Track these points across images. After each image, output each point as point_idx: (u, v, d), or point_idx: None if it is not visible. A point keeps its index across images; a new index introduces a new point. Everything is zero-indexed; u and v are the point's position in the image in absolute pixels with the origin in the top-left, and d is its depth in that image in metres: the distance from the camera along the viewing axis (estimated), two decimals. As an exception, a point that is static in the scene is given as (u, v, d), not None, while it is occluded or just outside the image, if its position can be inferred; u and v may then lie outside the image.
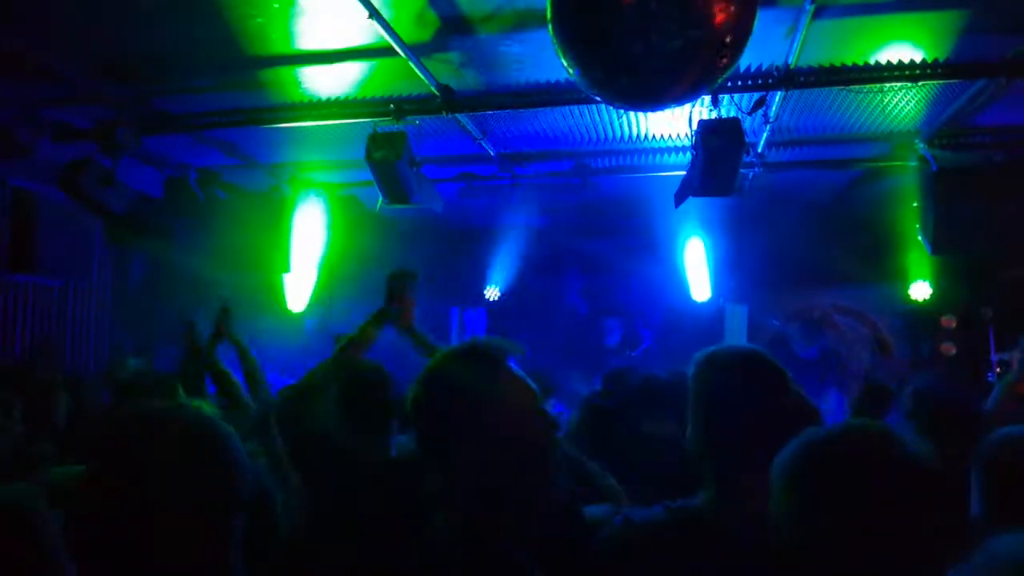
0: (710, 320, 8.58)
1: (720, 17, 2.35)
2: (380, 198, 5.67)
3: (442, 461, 1.50)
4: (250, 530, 1.39)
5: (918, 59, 4.63)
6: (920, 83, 4.82)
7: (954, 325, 8.47)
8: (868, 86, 4.86)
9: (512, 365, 1.54)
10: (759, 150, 6.16)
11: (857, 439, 1.36)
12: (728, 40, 2.45)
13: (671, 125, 5.91)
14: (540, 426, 1.51)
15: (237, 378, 3.91)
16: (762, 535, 1.42)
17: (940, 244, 6.14)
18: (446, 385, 1.52)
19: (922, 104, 5.39)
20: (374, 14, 3.83)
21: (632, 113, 5.55)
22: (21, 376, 4.36)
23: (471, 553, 1.45)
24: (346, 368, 3.07)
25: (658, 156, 6.66)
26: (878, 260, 8.07)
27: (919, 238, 6.44)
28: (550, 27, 2.73)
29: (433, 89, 4.90)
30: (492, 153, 6.34)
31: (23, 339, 6.03)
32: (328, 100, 5.28)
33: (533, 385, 1.54)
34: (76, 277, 6.46)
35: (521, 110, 5.32)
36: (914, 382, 3.34)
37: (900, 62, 4.66)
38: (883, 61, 4.67)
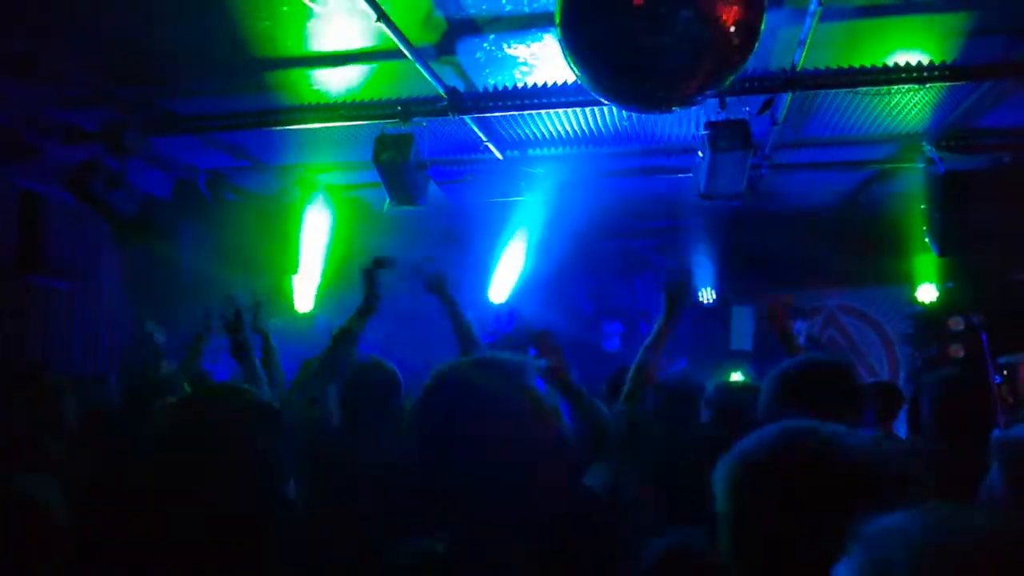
0: (715, 321, 8.58)
1: (729, 18, 2.36)
2: (387, 200, 5.68)
3: (444, 468, 1.45)
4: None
5: (925, 61, 4.63)
6: (927, 85, 4.82)
7: (962, 327, 8.44)
8: (875, 88, 4.86)
9: (534, 382, 1.50)
10: (766, 152, 6.15)
11: (792, 439, 1.29)
12: (736, 42, 2.45)
13: (678, 127, 5.91)
14: (551, 444, 1.46)
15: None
16: None
17: (947, 246, 6.13)
18: (458, 394, 1.47)
19: (929, 106, 5.38)
20: (382, 17, 3.84)
21: (639, 115, 5.55)
22: (30, 377, 4.37)
23: (470, 561, 1.43)
24: (336, 364, 3.08)
25: (665, 158, 6.65)
26: (885, 262, 8.06)
27: (926, 240, 6.43)
28: (558, 29, 2.74)
29: (440, 91, 4.91)
30: (499, 155, 6.35)
31: (32, 341, 6.06)
32: (336, 102, 5.30)
33: (550, 403, 1.50)
34: (84, 279, 6.48)
35: (528, 112, 5.33)
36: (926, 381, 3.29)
37: (907, 64, 4.66)
38: (890, 63, 4.66)
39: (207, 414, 1.40)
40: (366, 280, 3.32)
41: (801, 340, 6.79)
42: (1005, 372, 7.49)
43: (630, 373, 2.86)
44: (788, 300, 3.53)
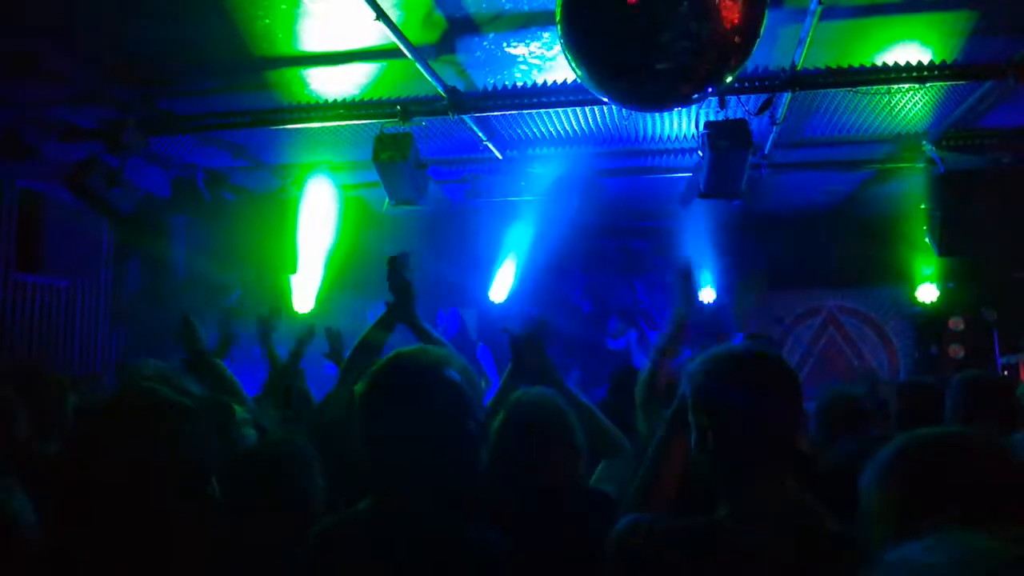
0: (716, 321, 8.56)
1: (730, 17, 2.35)
2: (387, 199, 5.68)
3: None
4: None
5: (925, 61, 4.63)
6: (927, 85, 4.82)
7: (962, 327, 8.44)
8: (875, 88, 4.86)
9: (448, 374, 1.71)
10: (766, 151, 6.15)
11: (963, 443, 1.33)
12: (737, 40, 2.44)
13: (678, 126, 5.91)
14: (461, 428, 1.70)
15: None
16: (782, 545, 1.41)
17: (947, 246, 6.13)
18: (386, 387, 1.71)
19: (929, 106, 5.38)
20: (381, 16, 3.83)
21: (639, 114, 5.55)
22: (29, 376, 4.35)
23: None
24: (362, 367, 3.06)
25: (664, 157, 6.65)
26: (885, 262, 8.05)
27: (926, 240, 6.42)
28: (559, 27, 2.73)
29: (440, 90, 4.91)
30: (498, 154, 6.34)
31: (30, 339, 6.05)
32: (335, 101, 5.29)
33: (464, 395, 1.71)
34: (83, 277, 6.48)
35: (527, 111, 5.33)
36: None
37: (907, 64, 4.65)
38: (890, 63, 4.66)
39: (122, 417, 1.42)
40: (396, 284, 3.12)
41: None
42: (1006, 372, 7.50)
43: (643, 378, 2.80)
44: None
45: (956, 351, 8.52)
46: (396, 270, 2.99)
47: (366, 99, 5.25)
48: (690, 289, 2.86)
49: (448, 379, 1.71)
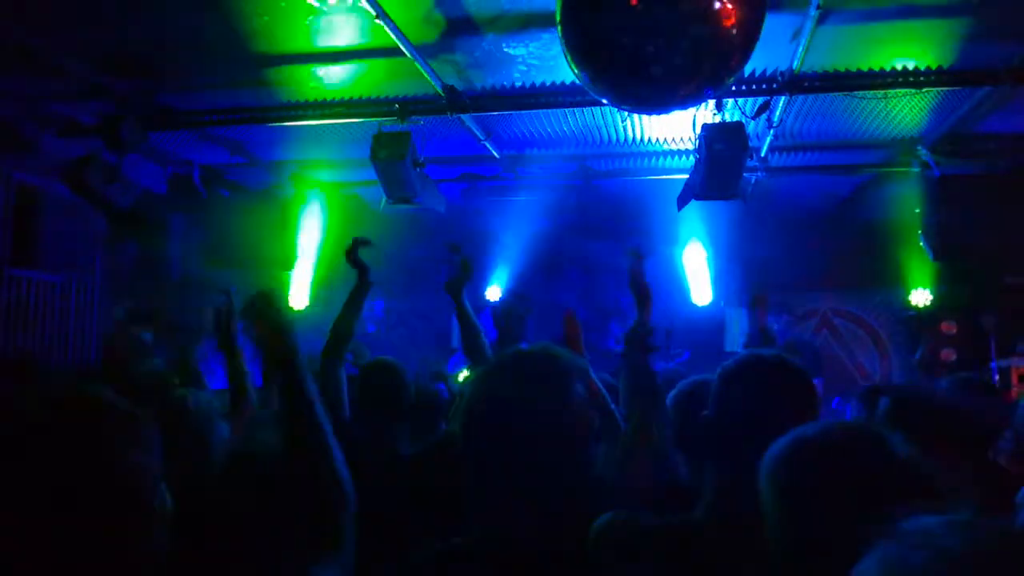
0: (711, 324, 8.59)
1: (729, 19, 2.36)
2: (384, 197, 5.68)
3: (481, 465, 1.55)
4: None
5: (922, 66, 4.65)
6: (924, 90, 4.84)
7: (955, 331, 8.47)
8: (872, 92, 4.88)
9: (577, 388, 1.57)
10: (762, 155, 6.17)
11: (847, 438, 1.37)
12: (737, 42, 2.46)
13: (674, 129, 5.92)
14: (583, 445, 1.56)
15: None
16: (757, 546, 1.43)
17: (941, 250, 6.16)
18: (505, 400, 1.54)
19: (925, 111, 5.41)
20: (382, 15, 3.84)
21: (636, 116, 5.56)
22: (24, 370, 4.36)
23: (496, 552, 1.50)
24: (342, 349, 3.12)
25: (661, 159, 6.67)
26: (879, 265, 8.08)
27: (921, 244, 6.45)
28: (559, 28, 2.74)
29: (438, 90, 4.92)
30: (496, 154, 6.35)
31: (26, 334, 6.04)
32: (333, 99, 5.29)
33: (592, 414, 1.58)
34: (79, 272, 6.46)
35: (525, 111, 5.34)
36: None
37: (904, 68, 4.68)
38: (887, 67, 4.68)
39: (58, 420, 1.34)
40: (354, 262, 3.33)
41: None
42: (998, 376, 7.52)
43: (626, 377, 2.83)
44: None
45: (949, 355, 8.54)
46: (358, 256, 3.15)
47: (365, 97, 5.26)
48: (640, 271, 2.83)
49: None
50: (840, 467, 1.31)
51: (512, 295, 3.03)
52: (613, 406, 2.56)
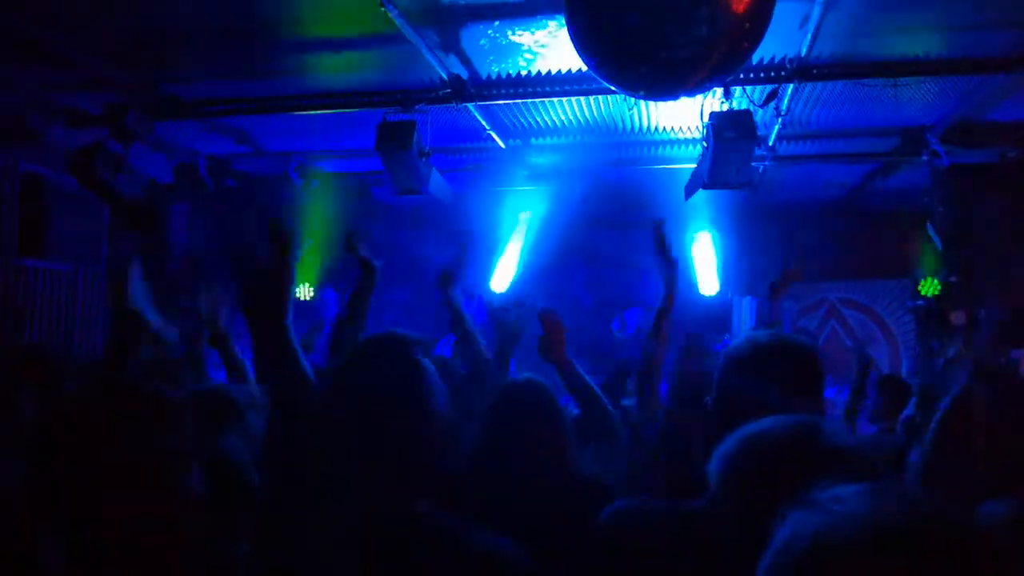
0: (718, 313, 8.56)
1: (740, 4, 2.33)
2: (389, 187, 5.66)
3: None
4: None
5: (932, 53, 4.60)
6: (933, 77, 4.79)
7: (964, 321, 8.43)
8: (881, 79, 4.84)
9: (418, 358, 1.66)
10: (770, 143, 6.13)
11: (786, 431, 1.37)
12: (748, 27, 2.43)
13: (682, 117, 5.88)
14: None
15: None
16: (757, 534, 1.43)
17: (950, 240, 6.12)
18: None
19: (935, 99, 5.36)
20: (387, 2, 3.82)
21: (643, 104, 5.53)
22: (33, 359, 4.35)
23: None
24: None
25: (669, 148, 6.64)
26: (888, 255, 8.04)
27: (929, 233, 6.42)
28: (566, 15, 2.72)
29: (444, 78, 4.89)
30: (502, 143, 6.33)
31: (33, 323, 6.05)
32: (338, 89, 5.27)
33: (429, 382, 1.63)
34: (86, 262, 6.48)
35: (531, 100, 5.31)
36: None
37: (914, 56, 4.63)
38: (896, 54, 4.64)
39: (90, 409, 1.35)
40: (357, 254, 3.28)
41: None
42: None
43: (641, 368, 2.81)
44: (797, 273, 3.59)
45: (957, 344, 8.49)
46: (353, 245, 3.13)
47: (369, 87, 5.24)
48: (666, 243, 2.80)
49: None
50: (776, 456, 1.31)
51: (511, 302, 3.00)
52: (611, 407, 2.56)
